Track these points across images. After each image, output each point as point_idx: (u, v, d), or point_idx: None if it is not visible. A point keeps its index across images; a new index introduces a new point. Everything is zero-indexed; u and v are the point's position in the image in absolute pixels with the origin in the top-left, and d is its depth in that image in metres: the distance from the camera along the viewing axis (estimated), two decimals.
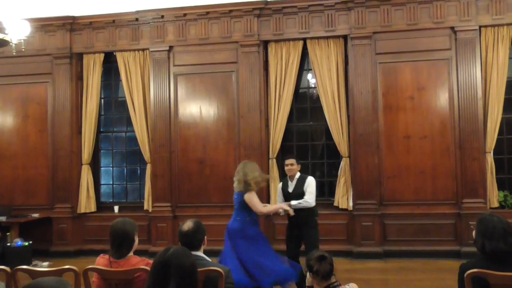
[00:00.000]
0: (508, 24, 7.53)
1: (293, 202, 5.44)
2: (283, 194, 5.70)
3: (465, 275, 2.92)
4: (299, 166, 5.69)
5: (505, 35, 7.53)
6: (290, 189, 5.63)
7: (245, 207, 5.28)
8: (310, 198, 5.48)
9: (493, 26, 7.56)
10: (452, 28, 7.64)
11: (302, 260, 4.63)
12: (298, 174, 5.65)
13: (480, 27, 7.60)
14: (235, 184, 5.38)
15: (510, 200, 7.57)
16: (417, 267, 7.07)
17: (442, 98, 7.68)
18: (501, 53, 7.52)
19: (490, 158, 7.56)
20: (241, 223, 5.29)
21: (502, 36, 7.53)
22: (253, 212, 5.29)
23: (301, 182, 5.58)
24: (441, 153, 7.64)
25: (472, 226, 3.28)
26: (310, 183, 5.55)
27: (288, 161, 5.67)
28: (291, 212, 5.38)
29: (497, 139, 7.60)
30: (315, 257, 3.22)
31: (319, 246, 5.41)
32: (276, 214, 5.90)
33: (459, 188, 7.56)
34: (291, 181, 5.67)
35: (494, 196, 7.52)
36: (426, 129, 7.69)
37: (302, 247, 5.59)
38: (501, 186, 7.70)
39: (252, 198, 5.25)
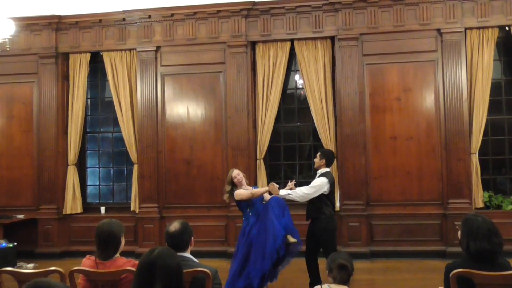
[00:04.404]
0: (493, 27, 7.61)
1: (282, 192, 5.31)
2: None
3: (450, 275, 2.95)
4: (323, 161, 5.58)
5: (490, 37, 7.61)
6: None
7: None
8: (302, 190, 5.30)
9: (478, 28, 7.64)
10: (438, 30, 7.71)
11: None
12: (323, 170, 5.55)
13: (465, 29, 7.67)
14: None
15: (494, 200, 7.65)
16: (403, 267, 7.12)
17: (428, 99, 7.75)
18: (486, 55, 7.60)
19: (475, 159, 7.63)
20: None
21: (487, 38, 7.62)
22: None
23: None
24: (427, 154, 7.70)
25: (457, 227, 3.30)
26: (317, 179, 5.40)
27: None
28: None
29: (482, 140, 7.67)
30: (337, 264, 3.33)
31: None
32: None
33: (445, 188, 7.63)
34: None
35: (479, 196, 7.60)
36: (412, 130, 7.74)
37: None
38: (486, 186, 7.78)
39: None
